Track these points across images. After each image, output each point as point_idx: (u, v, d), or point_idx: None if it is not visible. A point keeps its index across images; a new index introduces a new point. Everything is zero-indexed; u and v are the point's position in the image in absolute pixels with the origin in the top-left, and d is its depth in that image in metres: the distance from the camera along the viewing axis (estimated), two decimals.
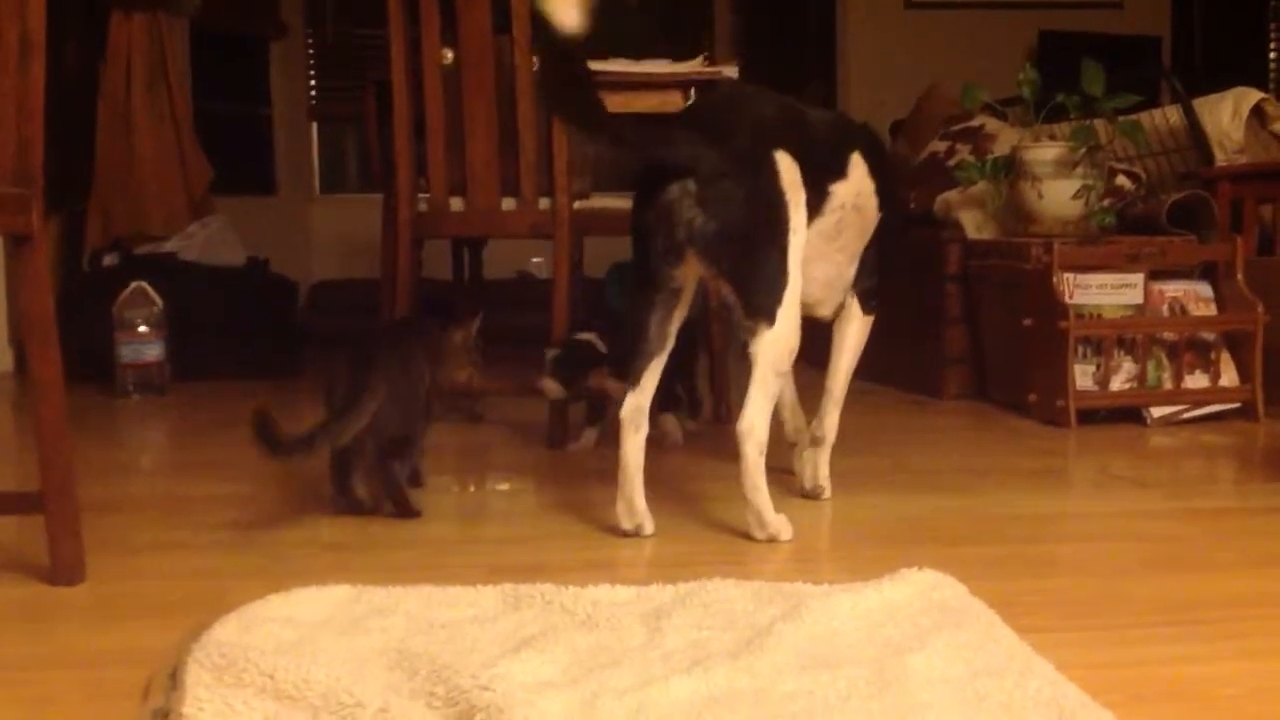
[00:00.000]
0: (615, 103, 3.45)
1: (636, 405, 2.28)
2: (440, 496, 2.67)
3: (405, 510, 2.43)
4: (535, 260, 6.52)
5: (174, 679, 1.46)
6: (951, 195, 4.09)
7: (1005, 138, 4.32)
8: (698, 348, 3.24)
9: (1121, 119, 3.73)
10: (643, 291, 2.27)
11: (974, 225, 4.02)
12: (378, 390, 2.32)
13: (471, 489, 2.78)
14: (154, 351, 4.40)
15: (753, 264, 2.16)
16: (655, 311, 2.27)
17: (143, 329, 4.39)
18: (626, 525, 2.29)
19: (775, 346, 2.19)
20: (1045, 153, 3.66)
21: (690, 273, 2.23)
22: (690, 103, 2.42)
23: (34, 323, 1.88)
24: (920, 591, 1.74)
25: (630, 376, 2.29)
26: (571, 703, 1.34)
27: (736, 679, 1.43)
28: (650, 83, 3.47)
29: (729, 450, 3.06)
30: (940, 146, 4.53)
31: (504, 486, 2.81)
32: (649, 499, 2.33)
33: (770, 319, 2.18)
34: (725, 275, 2.18)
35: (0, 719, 1.45)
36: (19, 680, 1.56)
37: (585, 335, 3.08)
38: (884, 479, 2.76)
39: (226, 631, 1.56)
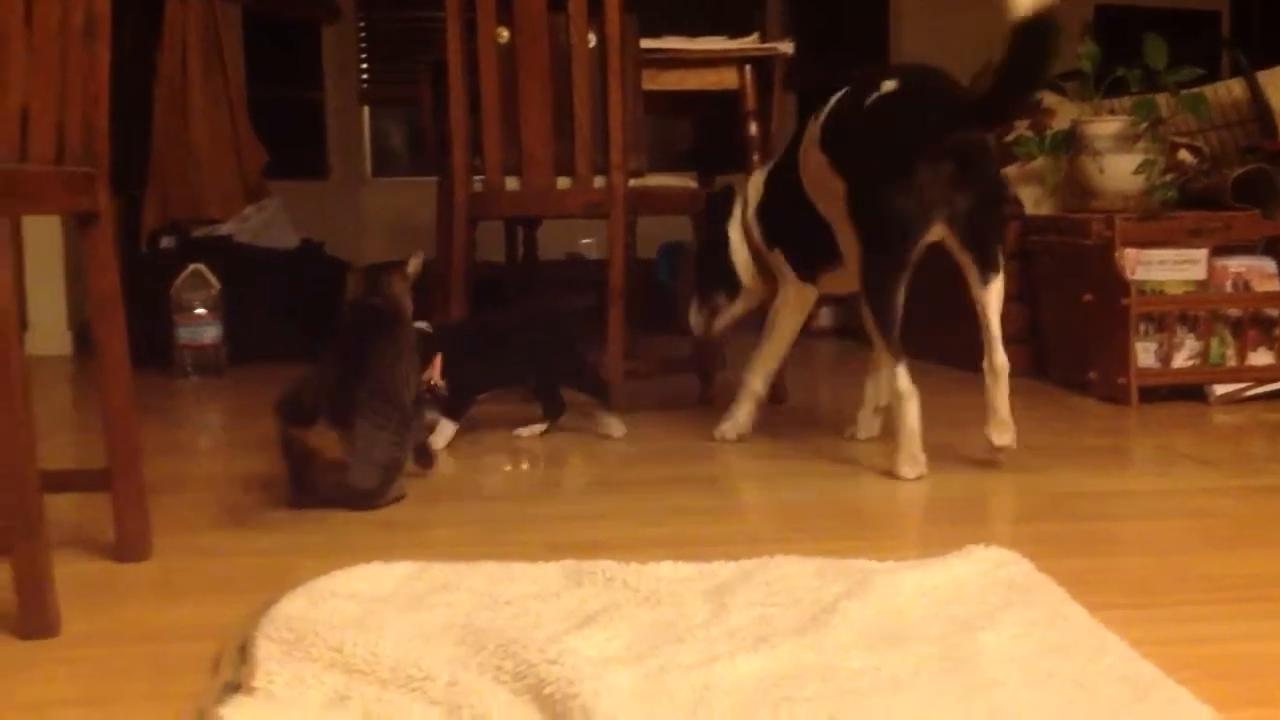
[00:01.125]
0: (670, 80, 3.45)
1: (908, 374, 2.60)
2: (492, 475, 2.68)
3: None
4: (585, 241, 6.51)
5: (243, 653, 1.47)
6: (1010, 171, 4.04)
7: (1064, 113, 4.25)
8: (574, 345, 3.08)
9: (1184, 92, 3.66)
10: (898, 272, 2.56)
11: (1033, 201, 3.98)
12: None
13: (525, 466, 2.78)
14: (211, 333, 4.43)
15: (996, 228, 2.64)
16: (903, 287, 2.59)
17: (200, 311, 4.42)
18: (912, 474, 2.55)
19: (1002, 290, 2.63)
20: (1106, 127, 3.61)
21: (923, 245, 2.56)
22: (893, 87, 2.49)
23: (101, 302, 1.89)
24: (987, 569, 1.72)
25: (895, 348, 2.59)
26: (638, 678, 1.34)
27: (803, 656, 1.42)
28: (706, 60, 3.45)
29: (785, 430, 3.05)
30: None
31: (522, 466, 2.81)
32: (700, 481, 2.33)
33: (1000, 269, 2.60)
34: (970, 241, 2.56)
35: (71, 693, 1.47)
36: (88, 655, 1.58)
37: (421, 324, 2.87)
38: (945, 456, 2.73)
39: (294, 606, 1.57)
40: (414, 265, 2.60)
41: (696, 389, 3.60)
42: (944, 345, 4.16)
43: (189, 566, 1.99)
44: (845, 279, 2.74)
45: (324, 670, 1.37)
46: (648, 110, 3.43)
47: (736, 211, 3.00)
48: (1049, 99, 4.43)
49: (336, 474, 2.28)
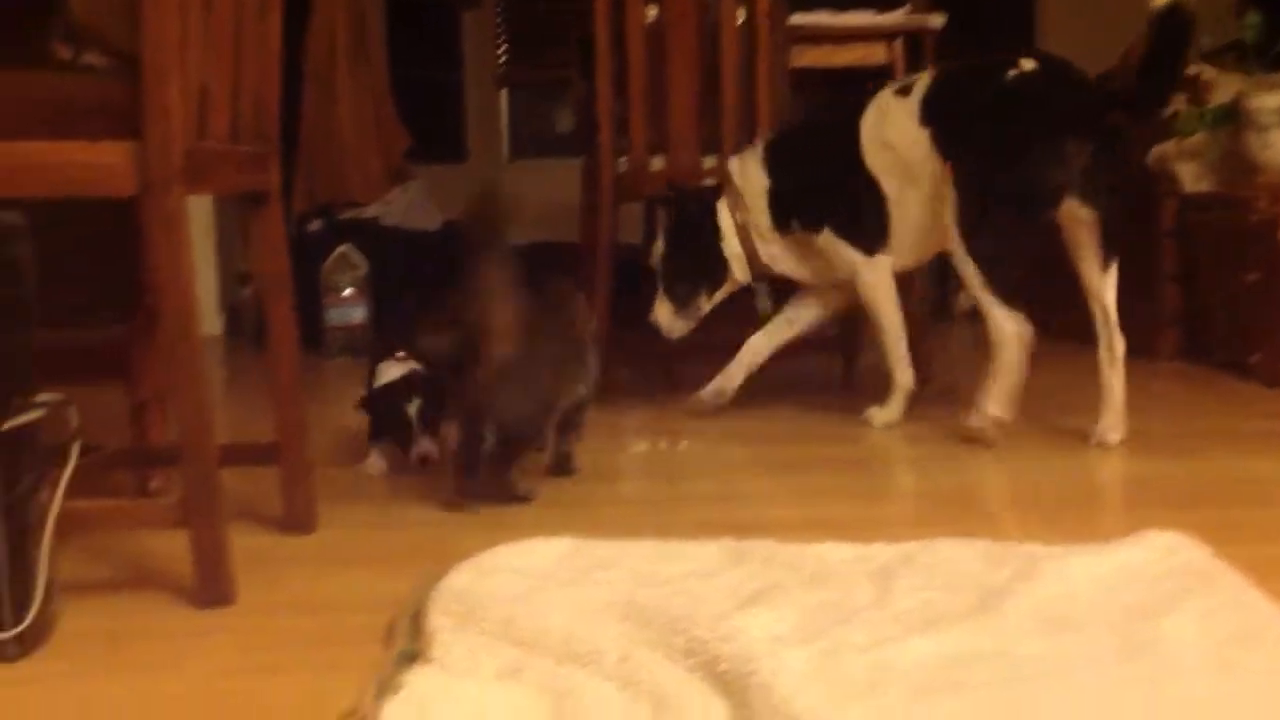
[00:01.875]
0: (817, 56, 3.41)
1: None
2: (642, 455, 2.68)
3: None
4: None
5: (416, 624, 1.49)
6: (1168, 147, 3.91)
7: (1223, 86, 4.10)
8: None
9: None
10: (1024, 241, 2.65)
11: (1192, 177, 3.84)
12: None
13: (662, 445, 2.78)
14: (359, 314, 4.52)
15: (1118, 215, 2.65)
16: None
17: (348, 291, 4.51)
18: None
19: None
20: (1272, 100, 3.47)
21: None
22: (1033, 67, 2.60)
23: (271, 279, 1.94)
24: (1161, 555, 1.67)
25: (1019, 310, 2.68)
26: (810, 659, 1.32)
27: (976, 640, 1.39)
28: (854, 34, 3.41)
29: (932, 412, 3.00)
30: None
31: (683, 445, 2.80)
32: (850, 463, 2.30)
33: (1119, 251, 2.68)
34: (1095, 225, 2.61)
35: (249, 661, 1.51)
36: (264, 625, 1.62)
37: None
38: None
39: (461, 580, 1.59)
40: None
41: (839, 370, 3.56)
42: (1068, 321, 4.06)
43: (353, 539, 2.03)
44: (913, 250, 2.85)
45: (496, 643, 1.38)
46: (793, 87, 3.40)
47: (725, 198, 2.98)
48: (1206, 72, 4.29)
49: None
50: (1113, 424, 2.63)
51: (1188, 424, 2.94)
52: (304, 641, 1.56)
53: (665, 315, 3.04)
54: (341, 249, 4.56)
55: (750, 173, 2.96)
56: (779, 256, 2.99)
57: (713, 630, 1.33)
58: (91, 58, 1.79)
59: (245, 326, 5.13)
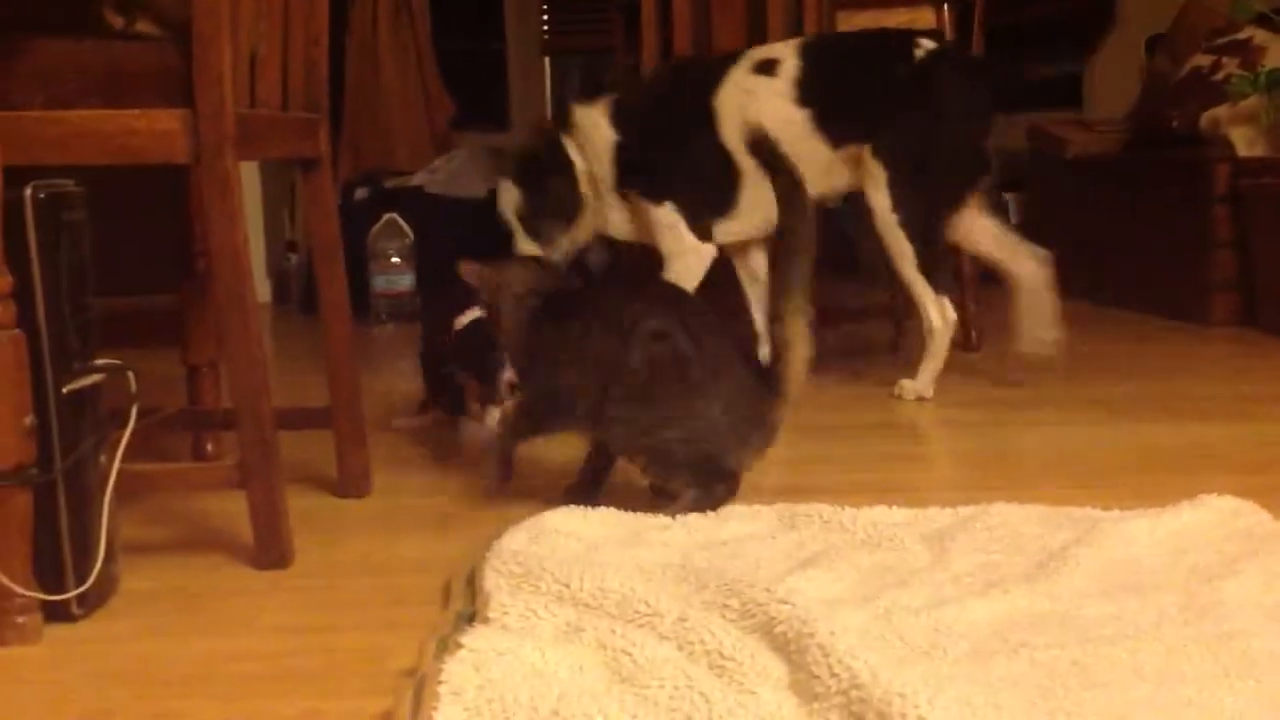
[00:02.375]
0: (864, 20, 3.37)
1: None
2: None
3: None
4: None
5: (472, 586, 1.50)
6: (1220, 111, 3.85)
7: (1276, 49, 4.04)
8: None
9: None
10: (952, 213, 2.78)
11: (1245, 142, 3.78)
12: None
13: None
14: (405, 281, 4.53)
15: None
16: None
17: (395, 260, 4.53)
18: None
19: None
20: None
21: None
22: (939, 51, 2.76)
23: (322, 244, 1.95)
24: (1222, 518, 1.65)
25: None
26: (867, 620, 1.32)
27: (1037, 602, 1.38)
28: None
29: (982, 378, 2.98)
30: (1205, 61, 4.26)
31: None
32: (901, 427, 2.28)
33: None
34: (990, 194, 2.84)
35: (309, 620, 1.52)
36: (320, 586, 1.63)
37: None
38: (1158, 406, 2.63)
39: (516, 541, 1.59)
40: None
41: (889, 335, 3.55)
42: (1151, 295, 4.03)
43: (408, 503, 2.04)
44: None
45: (553, 603, 1.39)
46: None
47: (571, 138, 2.87)
48: (1260, 35, 4.21)
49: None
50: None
51: (1243, 388, 2.90)
52: (362, 602, 1.57)
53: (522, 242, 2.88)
54: (388, 216, 4.57)
55: (599, 125, 2.85)
56: (611, 214, 2.90)
57: (770, 592, 1.32)
58: (143, 25, 1.80)
59: (291, 294, 5.16)
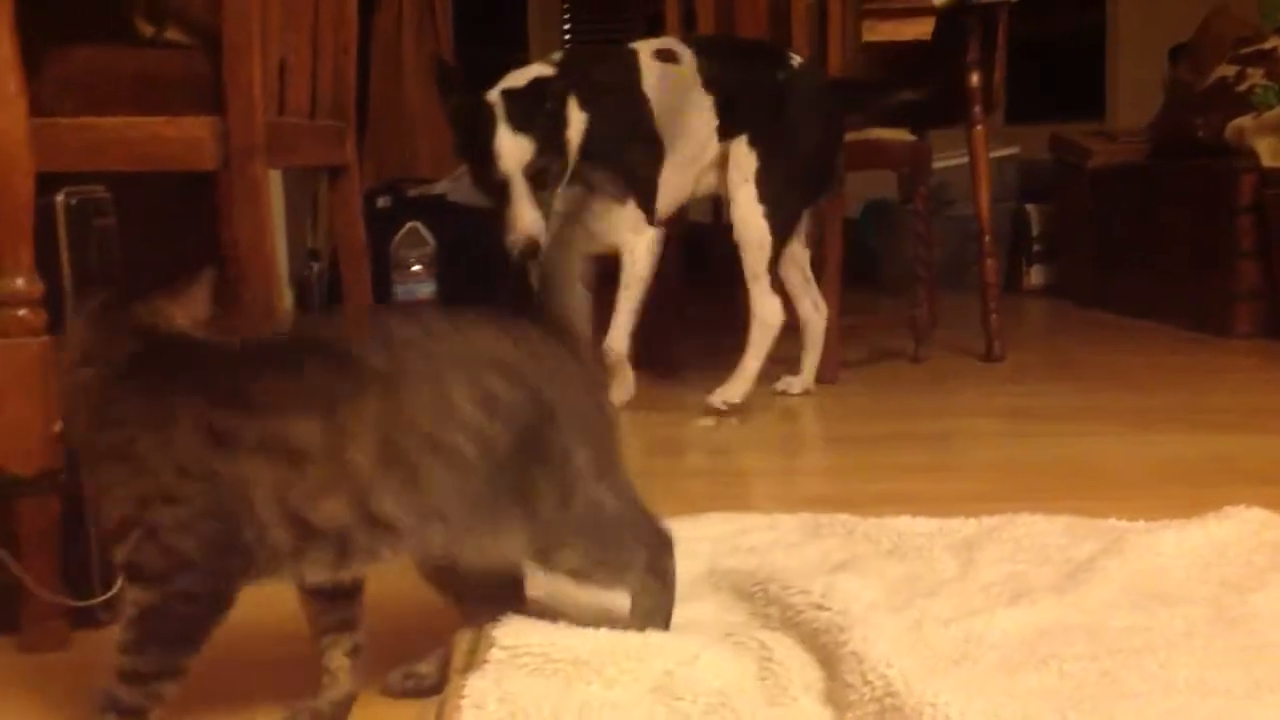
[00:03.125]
0: (887, 30, 3.37)
1: None
2: (707, 431, 2.67)
3: None
4: None
5: None
6: (1245, 121, 3.84)
7: None
8: None
9: None
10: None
11: (1270, 153, 3.77)
12: None
13: (734, 421, 2.77)
14: (427, 289, 4.54)
15: None
16: None
17: (416, 268, 4.53)
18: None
19: None
20: None
21: None
22: (807, 63, 3.03)
23: (349, 249, 1.96)
24: (1251, 530, 1.64)
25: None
26: (898, 629, 1.31)
27: (1065, 613, 1.38)
28: (926, 9, 3.36)
29: (1003, 388, 2.97)
30: (1229, 71, 4.25)
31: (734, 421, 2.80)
32: (923, 438, 2.27)
33: None
34: None
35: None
36: None
37: None
38: (1181, 418, 2.63)
39: None
40: None
41: (909, 347, 3.54)
42: (1175, 306, 4.01)
43: None
44: None
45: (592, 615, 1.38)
46: (864, 61, 3.36)
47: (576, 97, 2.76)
48: None
49: None
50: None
51: (1267, 400, 2.89)
52: (385, 605, 1.57)
53: (525, 214, 2.65)
54: (410, 225, 4.58)
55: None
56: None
57: (806, 594, 1.32)
58: (173, 33, 1.81)
59: (313, 302, 5.17)
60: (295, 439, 1.09)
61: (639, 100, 2.79)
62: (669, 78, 2.82)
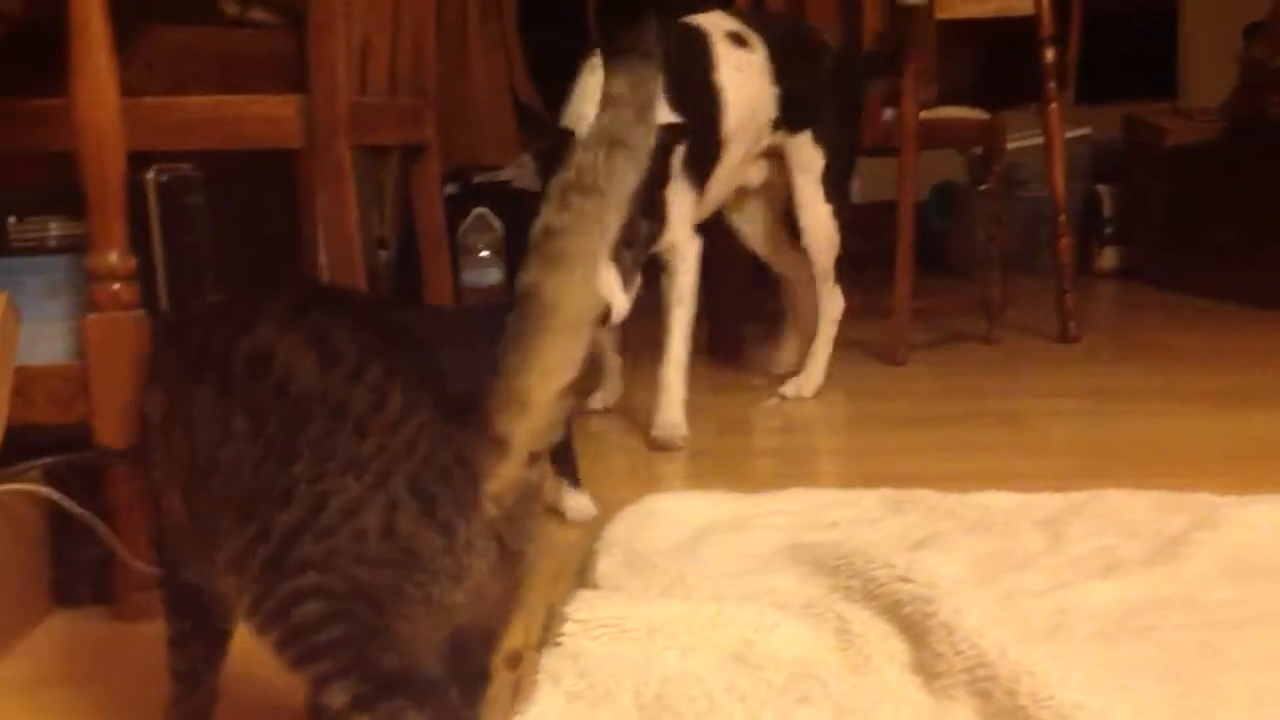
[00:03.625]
0: (960, 7, 3.34)
1: None
2: (784, 410, 2.66)
3: None
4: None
5: (581, 576, 1.50)
6: None
7: None
8: None
9: None
10: None
11: None
12: None
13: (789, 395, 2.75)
14: (494, 275, 4.57)
15: None
16: None
17: (484, 254, 4.56)
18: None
19: None
20: None
21: None
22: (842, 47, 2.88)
23: (427, 231, 1.96)
24: None
25: None
26: (987, 600, 1.30)
27: (1160, 586, 1.36)
28: None
29: (1078, 368, 2.93)
30: None
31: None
32: (1001, 417, 2.25)
33: None
34: None
35: None
36: None
37: None
38: (1262, 396, 2.58)
39: (623, 528, 1.59)
40: None
41: (980, 329, 3.51)
42: (1252, 286, 3.94)
43: None
44: None
45: (666, 582, 1.39)
46: (936, 39, 3.33)
47: None
48: None
49: None
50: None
51: None
52: None
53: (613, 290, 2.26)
54: (478, 211, 4.61)
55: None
56: None
57: (890, 568, 1.31)
58: (258, 13, 1.83)
59: (382, 289, 5.21)
60: None
61: (714, 95, 2.47)
62: (744, 69, 2.53)
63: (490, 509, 0.86)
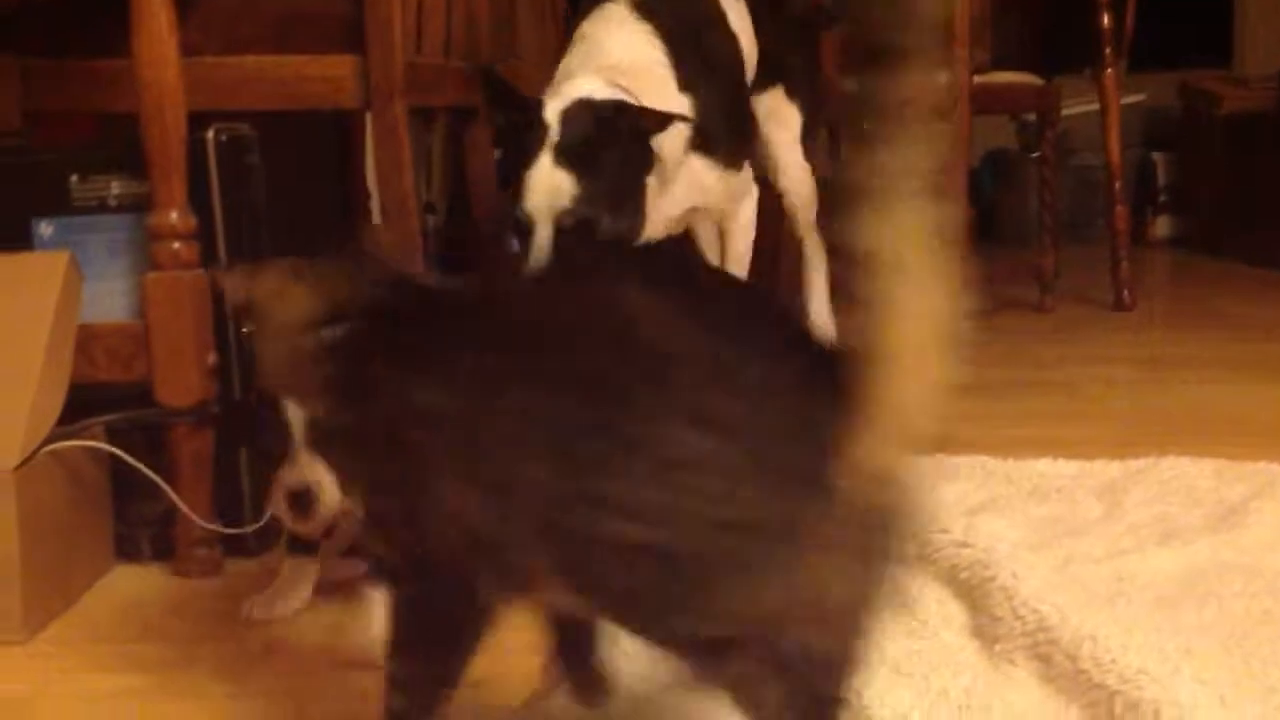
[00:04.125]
0: None
1: None
2: None
3: None
4: None
5: None
6: None
7: None
8: None
9: None
10: None
11: None
12: None
13: None
14: None
15: None
16: None
17: None
18: None
19: None
20: None
21: None
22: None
23: (480, 192, 1.96)
24: None
25: None
26: (1045, 566, 1.29)
27: (1220, 553, 1.35)
28: None
29: (1133, 337, 2.90)
30: None
31: None
32: (1056, 385, 2.23)
33: None
34: None
35: None
36: None
37: None
38: None
39: None
40: None
41: (1033, 297, 3.47)
42: None
43: None
44: None
45: None
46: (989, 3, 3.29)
47: None
48: None
49: None
50: None
51: None
52: None
53: None
54: None
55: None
56: None
57: (947, 533, 1.31)
58: None
59: (430, 253, 5.22)
60: None
61: (731, 41, 2.23)
62: (744, 17, 2.29)
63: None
